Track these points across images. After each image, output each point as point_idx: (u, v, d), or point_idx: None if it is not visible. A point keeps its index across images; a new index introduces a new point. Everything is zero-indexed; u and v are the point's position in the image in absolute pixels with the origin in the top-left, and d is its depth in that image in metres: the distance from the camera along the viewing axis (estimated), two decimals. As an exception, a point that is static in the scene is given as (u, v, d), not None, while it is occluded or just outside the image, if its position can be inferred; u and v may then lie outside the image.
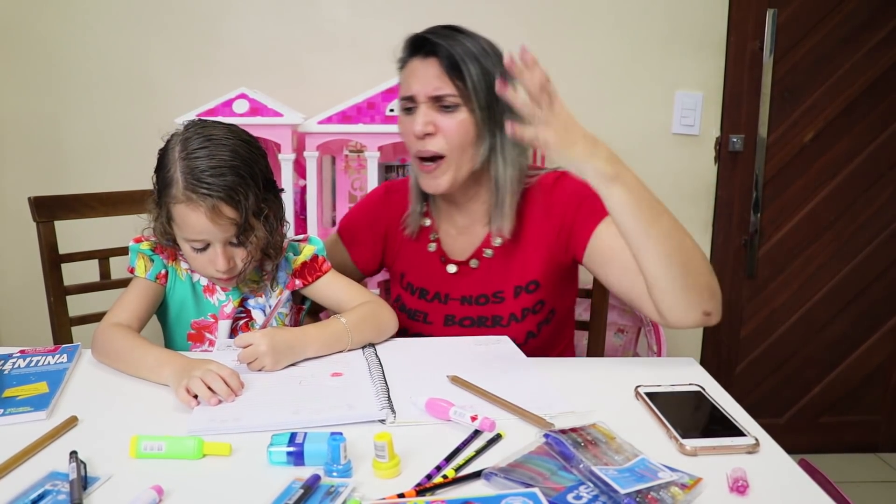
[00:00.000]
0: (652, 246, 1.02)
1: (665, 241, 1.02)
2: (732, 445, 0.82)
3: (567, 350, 1.39)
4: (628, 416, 0.91)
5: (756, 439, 0.83)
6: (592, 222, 1.19)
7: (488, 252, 1.27)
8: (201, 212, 1.06)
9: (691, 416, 0.90)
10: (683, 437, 0.83)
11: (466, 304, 1.28)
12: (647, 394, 0.95)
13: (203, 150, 1.07)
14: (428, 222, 1.33)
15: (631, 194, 1.02)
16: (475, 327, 1.27)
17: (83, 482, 0.72)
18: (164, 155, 1.11)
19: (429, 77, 1.15)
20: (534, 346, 1.25)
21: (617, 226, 1.04)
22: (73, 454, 0.76)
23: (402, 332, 1.25)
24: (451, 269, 1.29)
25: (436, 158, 1.18)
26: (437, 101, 1.16)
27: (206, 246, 1.11)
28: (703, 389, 0.98)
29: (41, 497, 0.71)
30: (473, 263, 1.28)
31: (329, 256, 1.29)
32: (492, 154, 1.20)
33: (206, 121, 1.15)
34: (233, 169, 1.07)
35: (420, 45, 1.17)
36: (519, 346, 1.17)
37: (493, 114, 1.17)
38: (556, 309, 1.29)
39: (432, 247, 1.31)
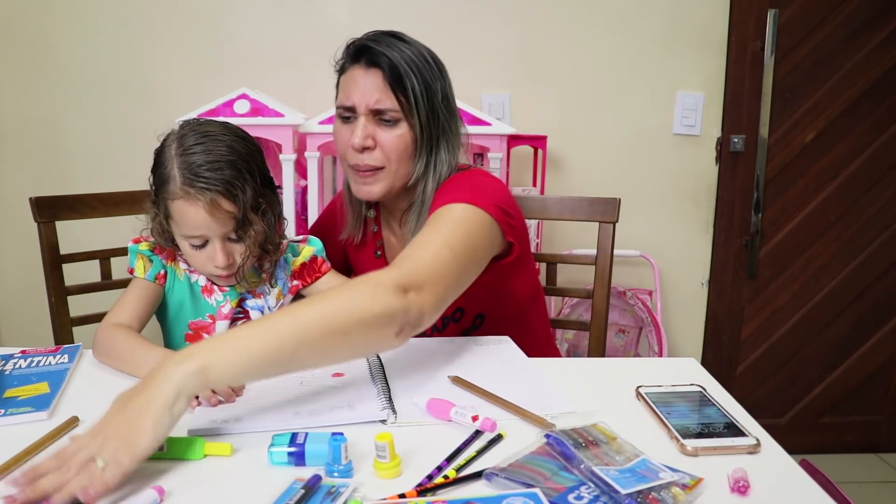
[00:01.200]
0: (297, 366, 0.88)
1: (311, 360, 0.88)
2: (733, 446, 0.82)
3: (546, 352, 1.35)
4: (629, 416, 0.91)
5: (757, 439, 0.83)
6: (440, 202, 1.12)
7: None
8: (200, 206, 1.06)
9: (692, 417, 0.90)
10: (684, 437, 0.83)
11: None
12: (648, 394, 0.95)
13: (200, 146, 1.07)
14: (376, 229, 1.33)
15: (233, 370, 0.81)
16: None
17: None
18: (160, 153, 1.12)
19: (370, 89, 1.12)
20: (489, 320, 1.24)
21: None
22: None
23: None
24: None
25: (371, 168, 1.16)
26: (377, 115, 1.14)
27: (205, 243, 1.11)
28: (704, 389, 0.98)
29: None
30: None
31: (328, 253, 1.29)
32: (427, 170, 1.18)
33: (201, 119, 1.16)
34: (230, 163, 1.07)
35: (362, 53, 1.14)
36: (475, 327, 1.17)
37: (431, 129, 1.15)
38: (485, 314, 1.26)
39: (378, 253, 1.33)
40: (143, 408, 0.74)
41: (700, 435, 0.84)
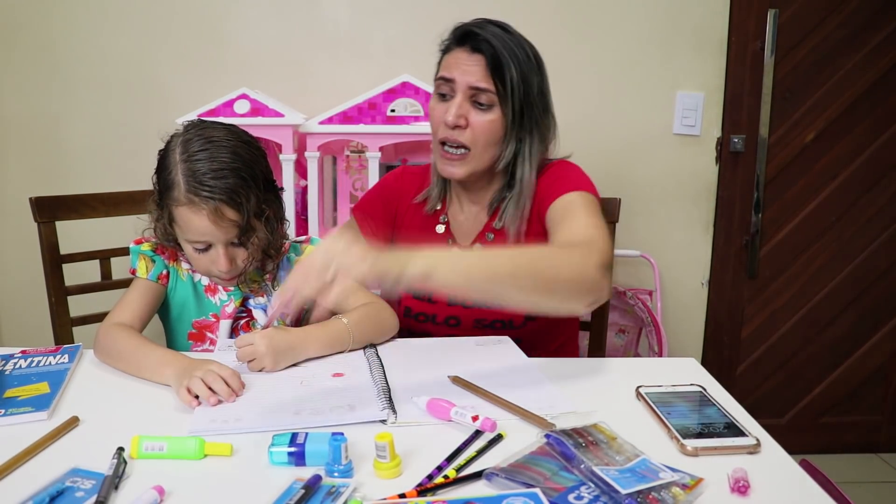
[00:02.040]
0: (504, 302, 0.96)
1: (514, 295, 0.95)
2: (734, 446, 0.82)
3: (566, 346, 1.39)
4: (629, 416, 0.91)
5: (757, 439, 0.83)
6: (555, 194, 1.20)
7: (490, 236, 1.29)
8: (203, 214, 1.06)
9: (692, 417, 0.90)
10: (684, 437, 0.83)
11: None
12: (648, 394, 0.95)
13: (204, 153, 1.07)
14: (439, 206, 1.35)
15: (452, 280, 0.90)
16: (477, 307, 1.28)
17: (117, 480, 0.73)
18: (164, 157, 1.12)
19: (472, 71, 1.17)
20: (531, 332, 1.26)
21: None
22: (120, 451, 0.77)
23: (406, 312, 1.29)
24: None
25: (460, 148, 1.21)
26: (474, 96, 1.18)
27: (208, 247, 1.11)
28: (704, 389, 0.98)
29: (60, 493, 0.71)
30: (477, 248, 1.30)
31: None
32: (518, 158, 1.23)
33: (205, 121, 1.15)
34: (234, 171, 1.07)
35: (468, 38, 1.19)
36: (517, 328, 1.21)
37: (523, 119, 1.21)
38: None
39: (440, 228, 1.34)
40: (375, 257, 0.85)
41: (700, 435, 0.84)
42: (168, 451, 0.79)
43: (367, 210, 1.40)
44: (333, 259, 0.84)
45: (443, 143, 1.22)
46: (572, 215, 1.15)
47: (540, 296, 0.95)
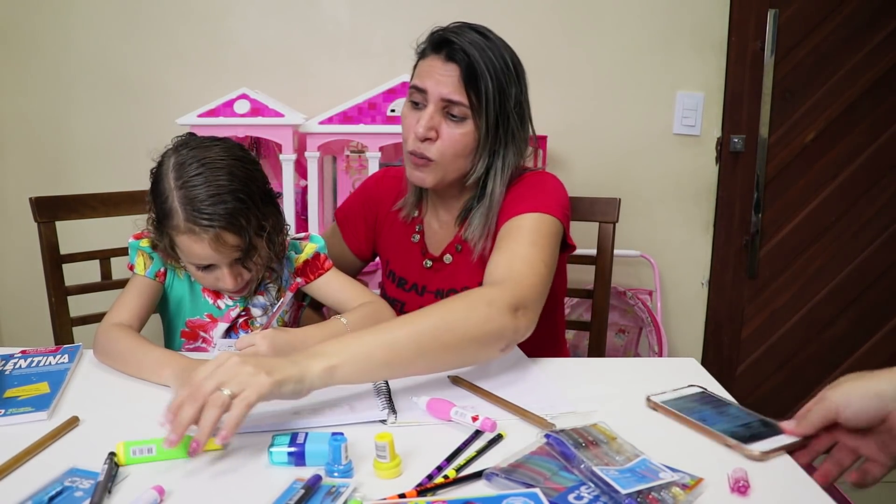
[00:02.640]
0: (415, 373, 0.97)
1: (421, 366, 0.95)
2: (787, 444, 0.82)
3: (559, 352, 1.38)
4: (629, 416, 0.91)
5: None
6: (514, 211, 1.16)
7: (459, 247, 1.26)
8: (205, 242, 1.05)
9: (728, 420, 0.88)
10: (744, 442, 0.82)
11: (440, 297, 1.28)
12: (666, 402, 0.93)
13: (199, 177, 1.05)
14: (416, 213, 1.33)
15: (356, 373, 0.89)
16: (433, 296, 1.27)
17: (110, 485, 0.73)
18: (158, 180, 1.09)
19: (445, 81, 1.13)
20: None
21: None
22: (111, 455, 0.76)
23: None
24: (427, 263, 1.30)
25: (424, 157, 1.17)
26: (446, 108, 1.14)
27: (212, 266, 1.11)
28: (705, 389, 0.98)
29: (59, 493, 0.71)
30: (447, 259, 1.28)
31: (328, 246, 1.29)
32: (490, 171, 1.19)
33: (197, 139, 1.13)
34: (232, 194, 1.05)
35: (444, 45, 1.15)
36: None
37: (498, 132, 1.16)
38: None
39: (415, 237, 1.32)
40: (270, 366, 0.81)
41: (753, 437, 0.83)
42: (157, 453, 0.79)
43: (348, 215, 1.40)
44: (227, 380, 0.78)
45: (411, 153, 1.18)
46: (512, 242, 1.10)
47: (448, 358, 0.95)
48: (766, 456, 0.80)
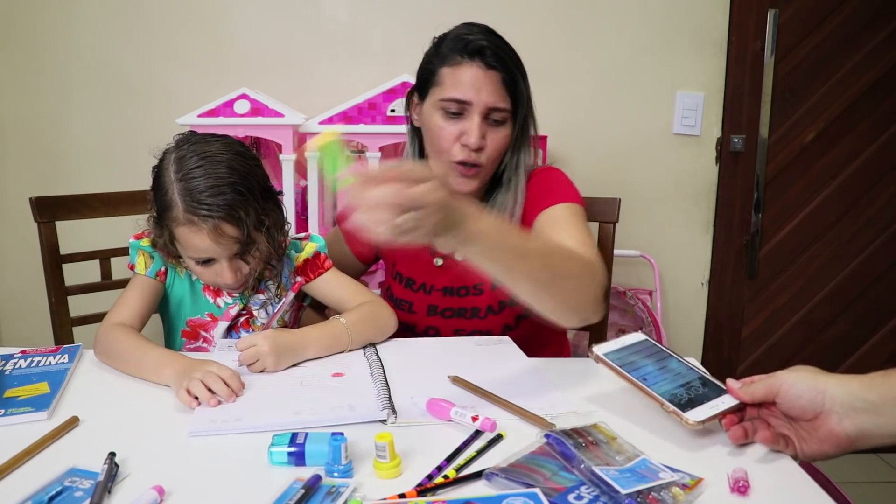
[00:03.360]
0: (516, 285, 0.93)
1: (526, 282, 0.93)
2: (728, 409, 0.83)
3: (561, 351, 1.39)
4: (629, 416, 0.91)
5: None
6: (543, 204, 1.21)
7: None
8: (204, 233, 1.06)
9: (668, 378, 0.88)
10: (683, 409, 0.82)
11: (448, 295, 1.30)
12: (608, 354, 0.90)
13: (199, 170, 1.06)
14: None
15: (486, 248, 0.87)
16: (455, 318, 1.29)
17: (109, 485, 0.72)
18: (159, 175, 1.11)
19: (489, 90, 1.15)
20: (513, 338, 1.25)
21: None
22: (111, 455, 0.76)
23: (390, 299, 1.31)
24: (438, 261, 1.31)
25: (476, 165, 1.19)
26: (489, 114, 1.17)
27: (211, 260, 1.11)
28: (649, 337, 0.97)
29: (59, 493, 0.71)
30: (458, 256, 1.27)
31: (330, 250, 1.29)
32: (517, 168, 1.24)
33: (197, 135, 1.14)
34: (231, 186, 1.06)
35: (479, 53, 1.16)
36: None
37: (523, 130, 1.22)
38: None
39: None
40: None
41: (692, 402, 0.83)
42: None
43: (342, 221, 1.40)
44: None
45: (458, 162, 1.19)
46: (560, 229, 1.14)
47: (562, 284, 0.94)
48: (701, 425, 0.80)
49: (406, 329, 1.31)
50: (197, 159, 1.08)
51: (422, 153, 1.28)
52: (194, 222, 1.06)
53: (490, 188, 1.28)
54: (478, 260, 0.87)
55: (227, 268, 1.11)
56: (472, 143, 1.16)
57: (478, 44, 1.16)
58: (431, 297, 1.32)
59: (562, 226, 1.16)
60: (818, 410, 0.76)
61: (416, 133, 1.28)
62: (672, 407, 0.82)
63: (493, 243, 0.85)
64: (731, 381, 0.84)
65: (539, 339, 1.32)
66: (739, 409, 0.84)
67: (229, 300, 1.22)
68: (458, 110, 1.17)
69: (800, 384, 0.77)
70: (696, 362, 0.95)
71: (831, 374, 0.78)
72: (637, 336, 0.96)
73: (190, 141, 1.12)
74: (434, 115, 1.19)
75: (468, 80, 1.16)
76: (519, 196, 1.24)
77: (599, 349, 0.91)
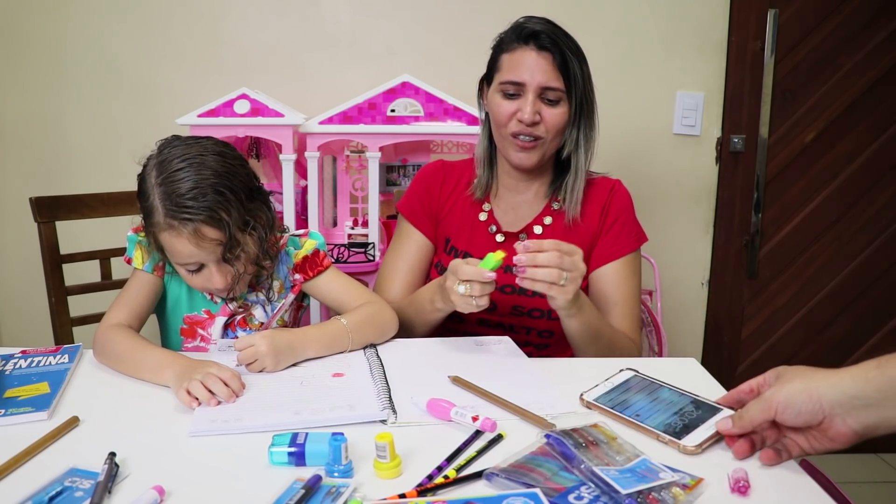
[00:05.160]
0: (585, 352, 1.21)
1: (583, 343, 1.20)
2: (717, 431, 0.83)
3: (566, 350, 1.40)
4: (629, 416, 0.91)
5: (733, 408, 0.85)
6: (613, 254, 1.32)
7: (538, 229, 1.35)
8: (184, 237, 1.05)
9: (662, 410, 0.89)
10: (678, 437, 0.83)
11: (509, 273, 1.30)
12: (598, 399, 0.93)
13: (179, 173, 1.05)
14: (484, 196, 1.40)
15: (582, 323, 1.16)
16: (516, 294, 1.31)
17: (109, 485, 0.72)
18: (142, 181, 1.09)
19: (542, 70, 1.24)
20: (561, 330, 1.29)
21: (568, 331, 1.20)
22: (111, 455, 0.76)
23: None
24: (500, 238, 1.36)
25: (534, 139, 1.27)
26: (543, 94, 1.25)
27: (200, 267, 1.10)
28: (637, 371, 0.99)
29: (59, 493, 0.71)
30: (522, 237, 1.34)
31: (397, 237, 1.35)
32: (576, 145, 1.31)
33: (180, 138, 1.13)
34: (212, 187, 1.05)
35: (532, 37, 1.25)
36: (555, 319, 1.24)
37: (582, 110, 1.29)
38: None
39: (483, 216, 1.38)
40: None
41: (687, 428, 0.84)
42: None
43: (412, 204, 1.42)
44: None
45: (514, 136, 1.27)
46: (622, 296, 1.31)
47: (598, 352, 1.21)
48: (700, 449, 0.81)
49: None
50: (178, 162, 1.06)
51: (491, 139, 1.36)
52: (174, 226, 1.04)
53: (556, 175, 1.37)
54: (570, 321, 1.15)
55: (216, 272, 1.10)
56: (525, 118, 1.24)
57: (532, 29, 1.26)
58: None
59: (622, 291, 1.31)
60: (820, 418, 0.75)
61: (488, 119, 1.36)
62: (668, 437, 0.83)
63: (588, 316, 1.16)
64: (721, 424, 0.82)
65: (548, 338, 1.34)
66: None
67: (223, 297, 1.21)
68: (515, 91, 1.26)
69: (795, 400, 0.75)
70: (691, 382, 0.95)
71: (823, 373, 0.77)
72: (625, 374, 0.99)
73: (171, 144, 1.10)
74: (496, 97, 1.29)
75: (523, 63, 1.25)
76: (580, 173, 1.32)
77: (589, 395, 0.94)
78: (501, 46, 1.30)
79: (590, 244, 1.34)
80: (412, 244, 1.41)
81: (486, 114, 1.36)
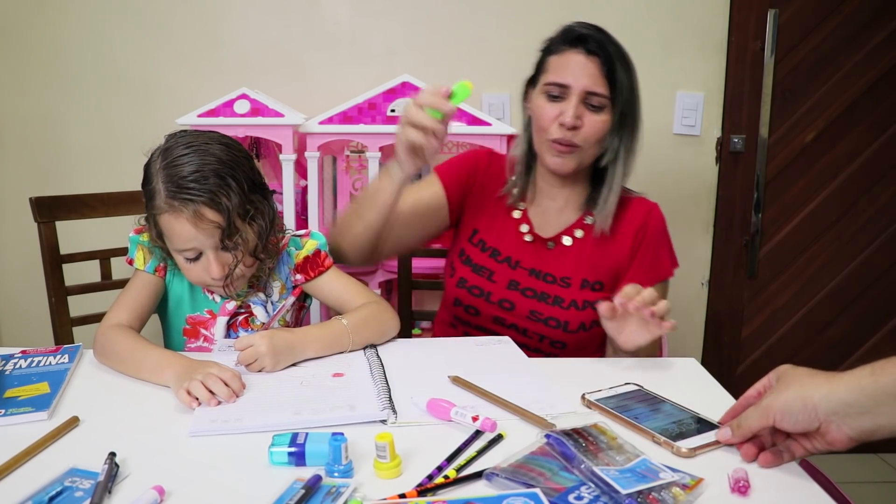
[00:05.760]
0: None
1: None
2: (715, 440, 0.84)
3: (598, 352, 1.40)
4: (629, 416, 0.91)
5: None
6: (648, 280, 1.24)
7: (567, 240, 1.34)
8: (184, 218, 1.05)
9: (660, 417, 0.90)
10: (673, 440, 0.83)
11: (533, 277, 1.33)
12: (600, 400, 0.94)
13: (183, 158, 1.07)
14: (520, 197, 1.38)
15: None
16: (536, 300, 1.31)
17: (109, 485, 0.72)
18: (147, 168, 1.11)
19: (588, 74, 1.22)
20: (580, 339, 1.30)
21: None
22: (112, 455, 0.76)
23: (460, 282, 1.35)
24: (528, 238, 1.35)
25: (571, 144, 1.25)
26: (586, 99, 1.23)
27: (199, 255, 1.10)
28: (641, 386, 0.99)
29: (59, 493, 0.71)
30: (550, 245, 1.34)
31: (418, 189, 1.33)
32: (615, 157, 1.29)
33: (186, 130, 1.15)
34: (213, 172, 1.06)
35: (581, 41, 1.24)
36: (570, 332, 1.26)
37: (625, 120, 1.26)
38: None
39: (517, 213, 1.37)
40: None
41: (682, 435, 0.84)
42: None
43: (450, 169, 1.41)
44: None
45: (554, 140, 1.25)
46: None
47: None
48: (694, 452, 0.81)
49: (480, 295, 1.34)
50: (182, 149, 1.08)
51: (531, 144, 1.34)
52: (175, 207, 1.05)
53: (593, 187, 1.34)
54: (630, 352, 1.14)
55: (214, 260, 1.09)
56: (567, 121, 1.22)
57: (581, 33, 1.25)
58: (515, 273, 1.34)
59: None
60: (816, 425, 0.76)
61: (529, 123, 1.34)
62: (663, 438, 0.83)
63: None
64: (721, 433, 0.84)
65: (592, 347, 1.34)
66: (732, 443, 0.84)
67: (224, 296, 1.21)
68: (559, 94, 1.25)
69: (791, 408, 0.76)
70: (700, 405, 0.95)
71: (818, 379, 0.77)
72: (629, 386, 0.99)
73: (177, 135, 1.12)
74: (539, 99, 1.28)
75: (569, 66, 1.24)
76: (616, 185, 1.30)
77: (591, 396, 0.95)
78: (550, 49, 1.29)
79: (619, 263, 1.32)
80: (428, 191, 1.38)
81: (529, 118, 1.34)
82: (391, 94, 1.81)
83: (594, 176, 1.34)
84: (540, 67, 1.30)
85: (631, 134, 1.29)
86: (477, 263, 1.36)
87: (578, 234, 1.34)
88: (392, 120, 1.81)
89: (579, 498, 0.70)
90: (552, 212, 1.36)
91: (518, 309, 1.31)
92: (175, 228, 1.07)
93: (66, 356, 1.09)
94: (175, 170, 1.06)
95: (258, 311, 1.23)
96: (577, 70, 1.23)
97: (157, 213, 1.08)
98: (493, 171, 1.40)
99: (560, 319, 1.29)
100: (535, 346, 1.31)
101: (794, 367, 0.82)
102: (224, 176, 1.07)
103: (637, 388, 0.99)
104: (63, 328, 1.47)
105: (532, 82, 1.33)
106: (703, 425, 0.87)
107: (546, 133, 1.26)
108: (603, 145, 1.28)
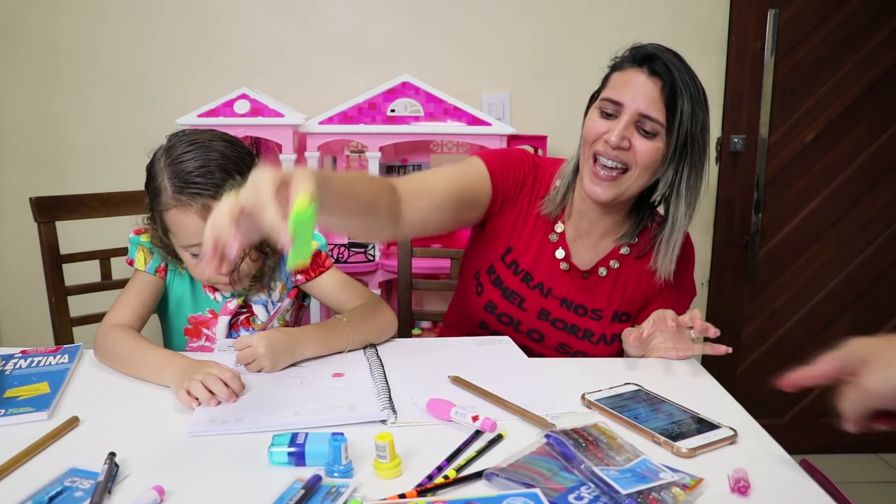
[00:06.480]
0: None
1: None
2: (718, 440, 0.84)
3: None
4: (629, 416, 0.91)
5: (733, 429, 0.86)
6: (678, 306, 1.25)
7: (603, 271, 1.27)
8: (192, 212, 1.06)
9: (660, 418, 0.90)
10: (673, 440, 0.83)
11: (564, 307, 1.27)
12: (600, 400, 0.94)
13: (187, 154, 1.08)
14: (558, 214, 1.28)
15: None
16: (566, 332, 1.27)
17: (109, 485, 0.72)
18: (151, 167, 1.12)
19: (646, 95, 1.14)
20: None
21: None
22: (111, 455, 0.76)
23: (490, 307, 1.27)
24: (564, 266, 1.26)
25: (615, 168, 1.16)
26: (639, 122, 1.15)
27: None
28: (641, 387, 0.99)
29: (59, 493, 0.71)
30: (585, 276, 1.27)
31: (464, 172, 1.21)
32: (675, 193, 1.20)
33: (189, 130, 1.16)
34: (219, 167, 1.07)
35: (647, 60, 1.16)
36: None
37: (684, 153, 1.17)
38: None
39: (554, 237, 1.27)
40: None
41: (682, 435, 0.84)
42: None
43: (492, 161, 1.27)
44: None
45: (595, 160, 1.17)
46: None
47: None
48: (694, 452, 0.81)
49: (509, 323, 1.27)
50: (187, 145, 1.09)
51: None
52: (182, 202, 1.06)
53: (634, 218, 1.28)
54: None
55: None
56: (612, 140, 1.13)
57: (649, 52, 1.16)
58: (547, 302, 1.27)
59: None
60: None
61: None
62: (663, 438, 0.83)
63: None
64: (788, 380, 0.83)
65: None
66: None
67: (227, 293, 1.21)
68: (612, 111, 1.16)
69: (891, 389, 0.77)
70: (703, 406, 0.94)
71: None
72: (629, 386, 1.00)
73: (181, 134, 1.13)
74: (593, 113, 1.20)
75: (628, 84, 1.16)
76: (678, 227, 1.22)
77: (591, 396, 0.95)
78: (616, 65, 1.21)
79: (650, 293, 1.29)
80: (471, 173, 1.24)
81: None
82: (391, 94, 1.81)
83: (635, 207, 1.27)
84: (604, 83, 1.22)
85: (693, 171, 1.18)
86: (507, 287, 1.28)
87: (614, 264, 1.27)
88: (392, 120, 1.81)
89: (579, 498, 0.70)
90: (588, 236, 1.28)
91: (547, 340, 1.27)
92: (183, 223, 1.07)
93: (66, 356, 1.09)
94: (180, 166, 1.06)
95: (259, 310, 1.23)
96: (636, 89, 1.14)
97: (164, 209, 1.08)
98: (540, 180, 1.30)
99: (588, 354, 1.26)
100: None
101: (868, 341, 0.81)
102: (229, 171, 1.08)
103: (637, 388, 0.99)
104: (63, 328, 1.47)
105: (594, 97, 1.25)
106: (703, 425, 0.87)
107: (590, 147, 1.18)
108: (652, 176, 1.18)
